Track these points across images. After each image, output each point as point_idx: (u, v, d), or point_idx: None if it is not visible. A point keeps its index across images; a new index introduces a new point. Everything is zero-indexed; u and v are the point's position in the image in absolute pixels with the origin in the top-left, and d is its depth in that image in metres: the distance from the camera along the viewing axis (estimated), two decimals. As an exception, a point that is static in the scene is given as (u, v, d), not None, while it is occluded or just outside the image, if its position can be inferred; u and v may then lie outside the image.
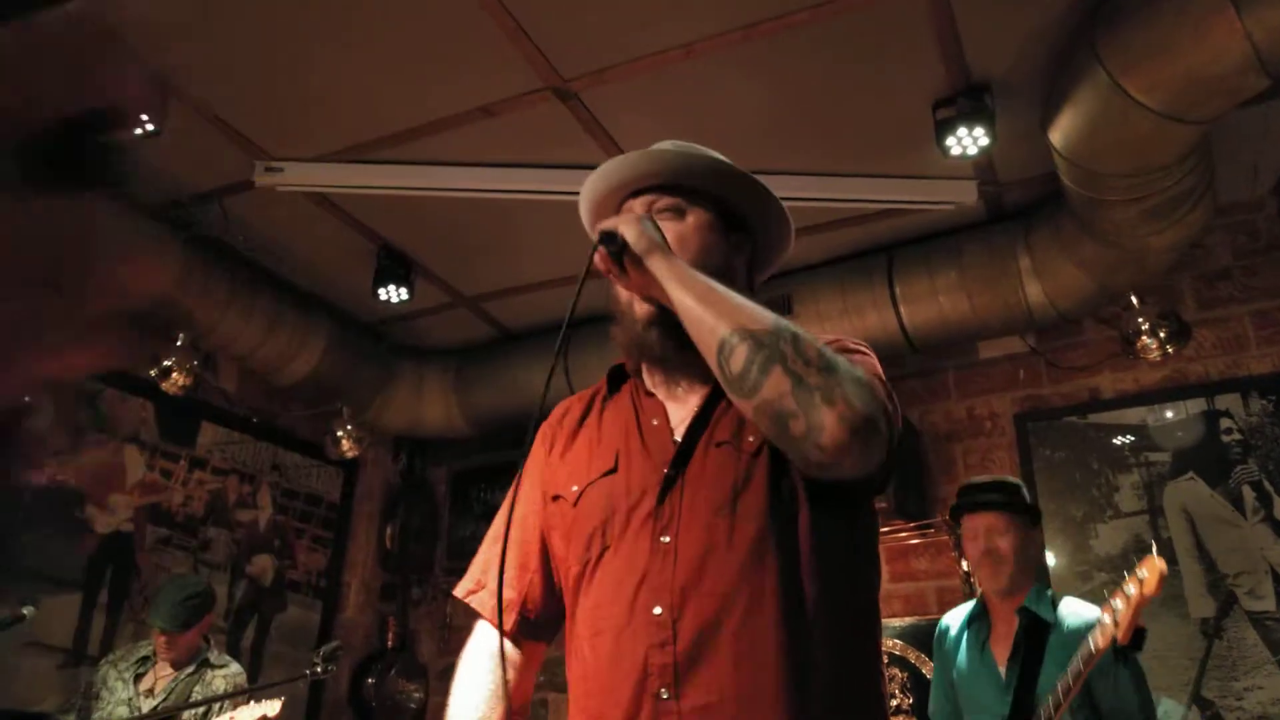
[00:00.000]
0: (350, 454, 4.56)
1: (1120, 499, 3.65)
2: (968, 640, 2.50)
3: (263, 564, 4.50)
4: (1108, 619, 2.05)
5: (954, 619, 2.62)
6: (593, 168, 1.41)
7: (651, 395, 1.35)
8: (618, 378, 1.42)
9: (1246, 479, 3.44)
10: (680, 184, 1.36)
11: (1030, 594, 2.40)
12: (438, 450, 5.18)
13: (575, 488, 1.30)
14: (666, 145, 1.39)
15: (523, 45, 2.91)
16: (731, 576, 1.13)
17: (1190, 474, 3.55)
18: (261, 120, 3.32)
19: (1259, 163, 3.49)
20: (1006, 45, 2.93)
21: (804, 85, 3.10)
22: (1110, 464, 3.70)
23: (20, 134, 0.43)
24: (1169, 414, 3.65)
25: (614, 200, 1.41)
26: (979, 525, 2.47)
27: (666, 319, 1.25)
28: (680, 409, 1.30)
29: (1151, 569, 2.03)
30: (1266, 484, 3.39)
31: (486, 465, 4.87)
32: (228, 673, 3.31)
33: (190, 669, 3.24)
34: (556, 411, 1.47)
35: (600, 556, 1.23)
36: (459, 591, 1.42)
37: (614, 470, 1.27)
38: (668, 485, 1.21)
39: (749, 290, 1.38)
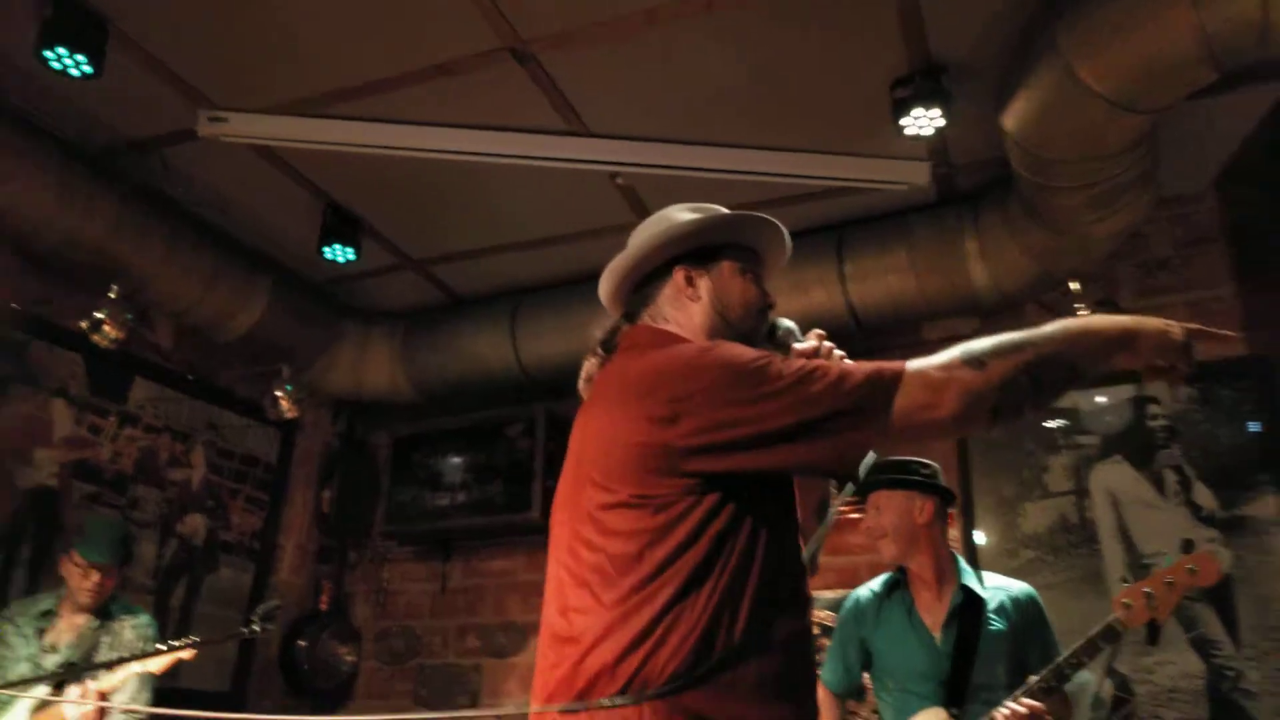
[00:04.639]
0: (289, 415, 4.46)
1: (1049, 479, 3.76)
2: (889, 608, 2.58)
3: (194, 523, 4.41)
4: (1132, 603, 2.24)
5: (867, 590, 2.69)
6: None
7: None
8: None
9: (1169, 463, 3.56)
10: None
11: (961, 570, 2.53)
12: (380, 414, 5.10)
13: None
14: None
15: (480, 1, 2.84)
16: None
17: (1117, 456, 3.67)
18: (206, 67, 3.20)
19: (1201, 156, 3.58)
20: (968, 27, 2.95)
21: (765, 58, 3.08)
22: (1043, 446, 3.81)
23: None
24: (1100, 398, 3.76)
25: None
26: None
27: None
28: None
29: (1208, 568, 2.24)
30: (1187, 468, 3.51)
31: (430, 431, 4.80)
32: (136, 623, 3.21)
33: (96, 622, 3.13)
34: None
35: None
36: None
37: None
38: None
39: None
